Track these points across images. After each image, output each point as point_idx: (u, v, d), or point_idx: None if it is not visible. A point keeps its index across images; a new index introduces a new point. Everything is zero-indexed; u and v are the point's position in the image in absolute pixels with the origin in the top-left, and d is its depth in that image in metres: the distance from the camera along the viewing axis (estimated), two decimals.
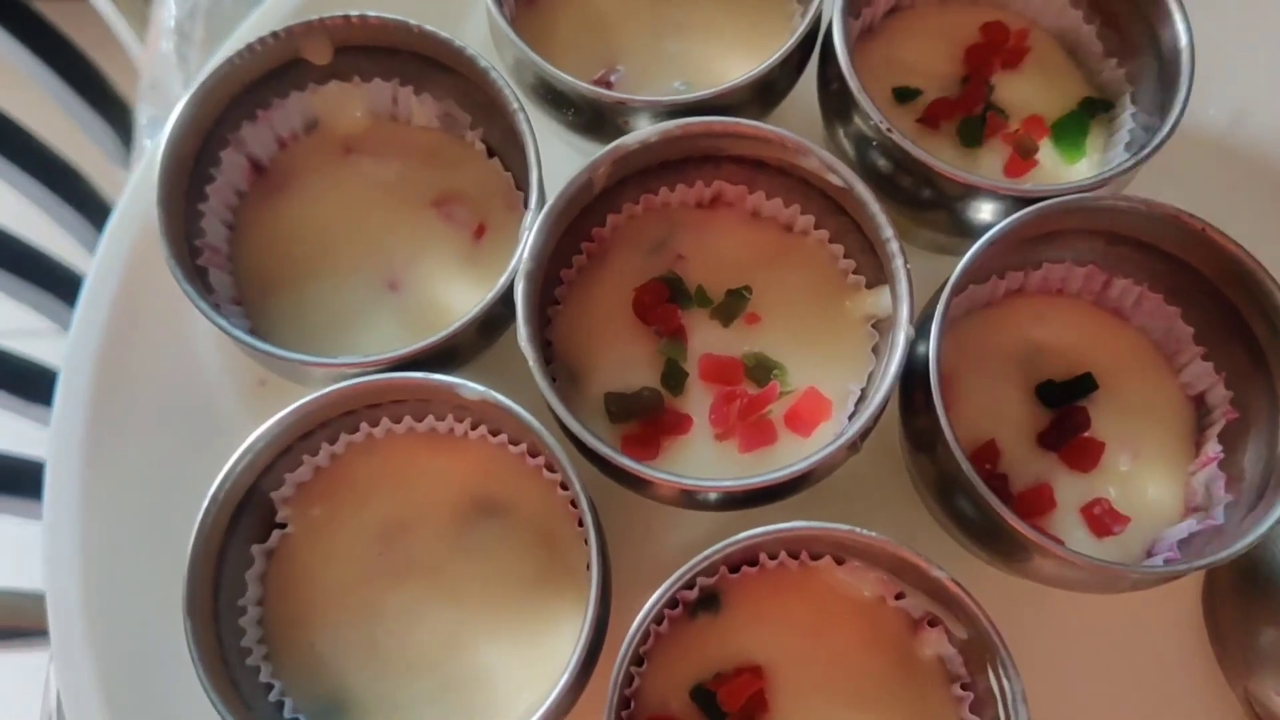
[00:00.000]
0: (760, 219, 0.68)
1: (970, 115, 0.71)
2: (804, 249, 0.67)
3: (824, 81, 0.69)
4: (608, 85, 0.70)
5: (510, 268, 0.61)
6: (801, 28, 0.67)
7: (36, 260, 1.16)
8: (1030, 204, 0.62)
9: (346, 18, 0.67)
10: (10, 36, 1.10)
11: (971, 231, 0.63)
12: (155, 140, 0.65)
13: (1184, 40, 0.66)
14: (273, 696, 0.60)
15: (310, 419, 0.61)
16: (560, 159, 0.67)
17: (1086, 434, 0.65)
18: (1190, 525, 0.62)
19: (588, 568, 0.59)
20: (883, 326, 0.64)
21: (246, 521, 0.62)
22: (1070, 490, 0.64)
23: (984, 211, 0.64)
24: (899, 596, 0.61)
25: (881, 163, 0.66)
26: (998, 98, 0.72)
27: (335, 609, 0.62)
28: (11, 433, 1.11)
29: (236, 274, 0.68)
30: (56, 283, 1.16)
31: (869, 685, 0.60)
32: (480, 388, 0.59)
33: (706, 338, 0.66)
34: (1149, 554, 0.63)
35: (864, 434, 0.60)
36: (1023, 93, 0.72)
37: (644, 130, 0.62)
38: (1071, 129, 0.71)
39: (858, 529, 0.57)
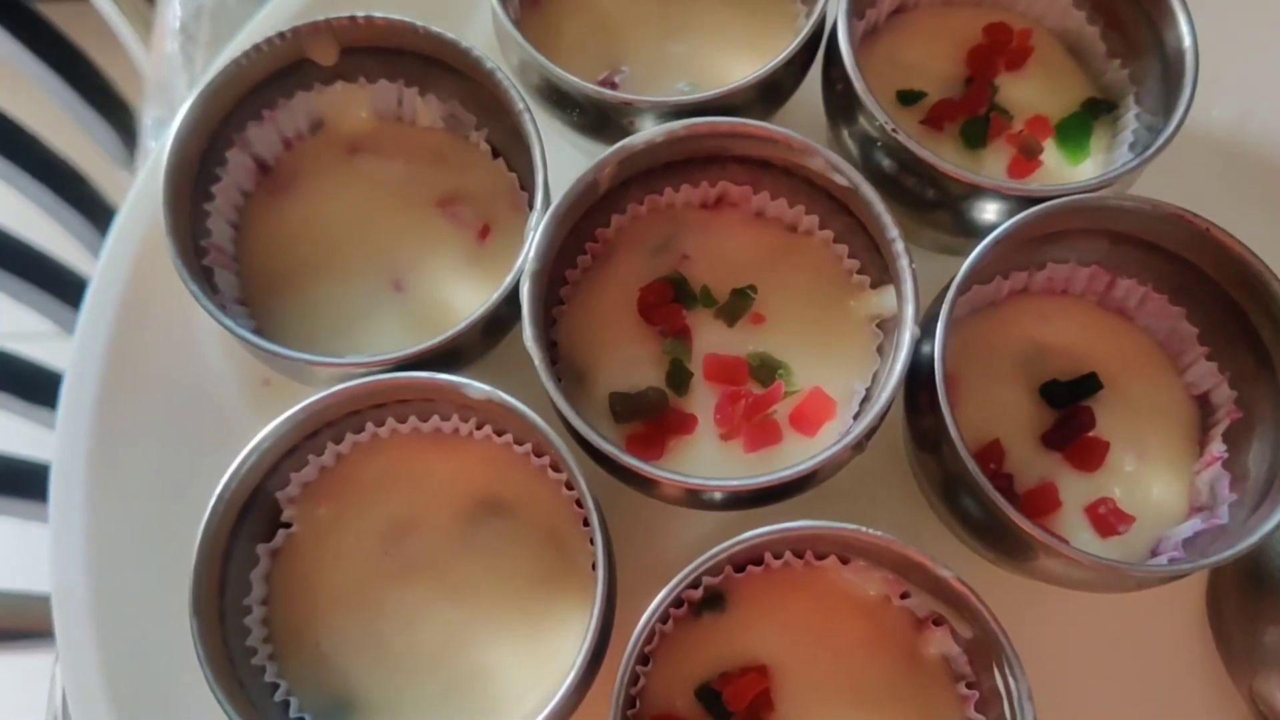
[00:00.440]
0: (765, 219, 0.68)
1: (974, 116, 0.71)
2: (808, 249, 0.68)
3: (828, 82, 0.69)
4: (612, 86, 0.70)
5: (516, 268, 0.62)
6: (806, 29, 0.67)
7: (39, 262, 1.16)
8: (1035, 204, 0.62)
9: (352, 18, 0.67)
10: (12, 39, 1.10)
11: (976, 232, 0.64)
12: (161, 140, 0.65)
13: (1188, 41, 0.66)
14: (278, 696, 0.60)
15: (316, 419, 0.61)
16: (565, 160, 0.68)
17: (1091, 434, 0.65)
18: (1195, 525, 0.62)
19: (593, 567, 0.59)
20: (887, 326, 0.65)
21: (252, 521, 0.62)
22: (1075, 490, 0.64)
23: (988, 212, 0.65)
24: (904, 596, 0.61)
25: (886, 163, 0.66)
26: (1001, 99, 0.72)
27: (341, 609, 0.62)
28: (14, 435, 1.11)
29: (241, 274, 0.68)
30: (59, 285, 1.16)
31: (874, 684, 0.60)
32: (486, 387, 0.59)
33: (711, 338, 0.66)
34: (1153, 554, 0.63)
35: (869, 433, 0.60)
36: (1026, 94, 0.72)
37: (649, 130, 0.63)
38: (1075, 130, 0.71)
39: (863, 528, 0.57)
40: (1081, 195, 0.62)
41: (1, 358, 1.12)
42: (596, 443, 0.58)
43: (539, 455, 0.63)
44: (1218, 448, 0.64)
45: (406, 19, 0.67)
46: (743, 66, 0.68)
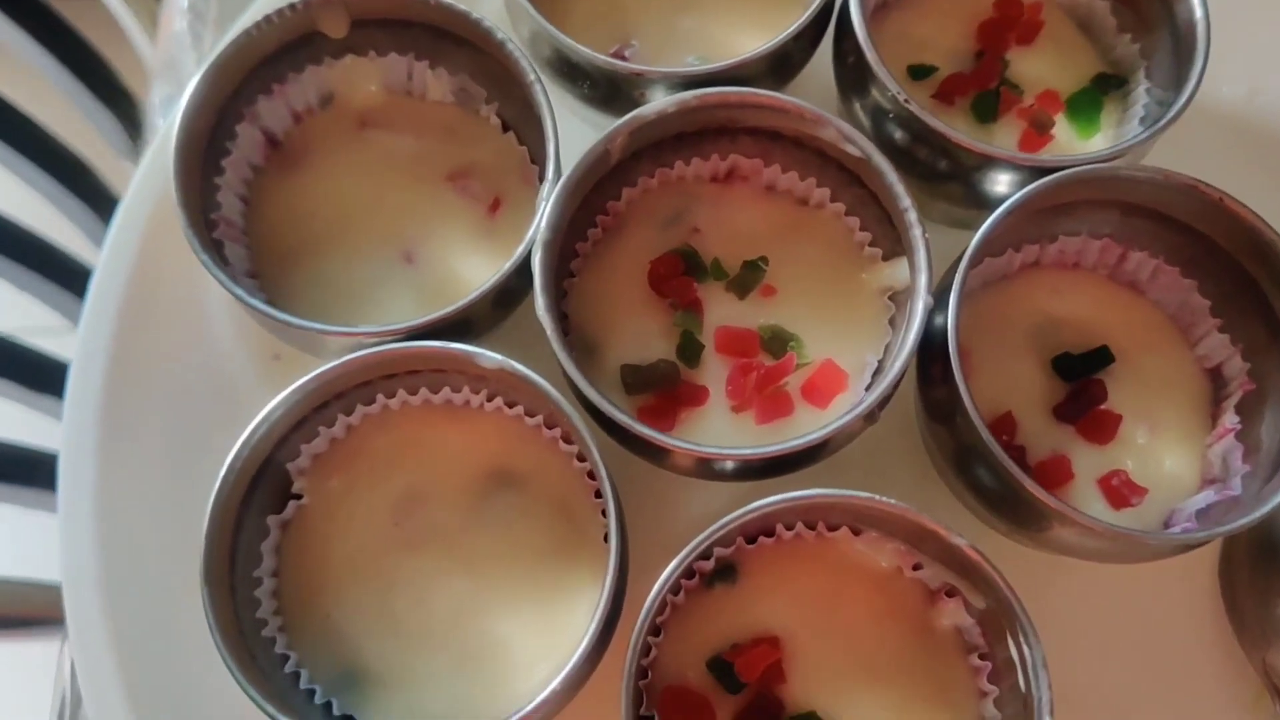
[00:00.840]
0: (776, 192, 0.68)
1: (985, 91, 0.71)
2: (820, 222, 0.67)
3: (840, 55, 0.69)
4: (622, 60, 0.70)
5: (527, 238, 0.61)
6: (817, 2, 0.67)
7: (45, 252, 1.16)
8: (1046, 175, 0.61)
9: None
10: (17, 27, 1.10)
11: (988, 203, 0.63)
12: (170, 115, 0.65)
13: (1199, 14, 0.66)
14: (289, 667, 0.60)
15: (327, 389, 0.61)
16: (575, 134, 0.67)
17: (1103, 406, 0.64)
18: (1208, 496, 0.62)
19: (605, 539, 0.59)
20: (899, 299, 0.64)
21: (263, 493, 0.62)
22: (1087, 462, 0.63)
23: (1000, 183, 0.64)
24: (916, 567, 0.60)
25: (898, 134, 0.66)
26: (1012, 73, 0.72)
27: (351, 580, 0.62)
28: (21, 424, 1.11)
29: (251, 248, 0.68)
30: (65, 275, 1.16)
31: (886, 656, 0.60)
32: (498, 356, 0.59)
33: (722, 310, 0.66)
34: (1166, 526, 0.63)
35: (881, 404, 0.60)
36: (1037, 68, 0.72)
37: (661, 101, 0.62)
38: (1086, 104, 0.71)
39: (876, 496, 0.57)
40: (1093, 166, 0.62)
41: (8, 347, 1.12)
42: (609, 412, 0.58)
43: (550, 427, 0.63)
44: (1230, 419, 0.64)
45: None
46: (752, 41, 0.68)
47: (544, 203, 0.62)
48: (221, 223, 0.66)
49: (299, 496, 0.63)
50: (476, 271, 0.67)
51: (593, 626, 0.56)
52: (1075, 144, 0.70)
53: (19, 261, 1.11)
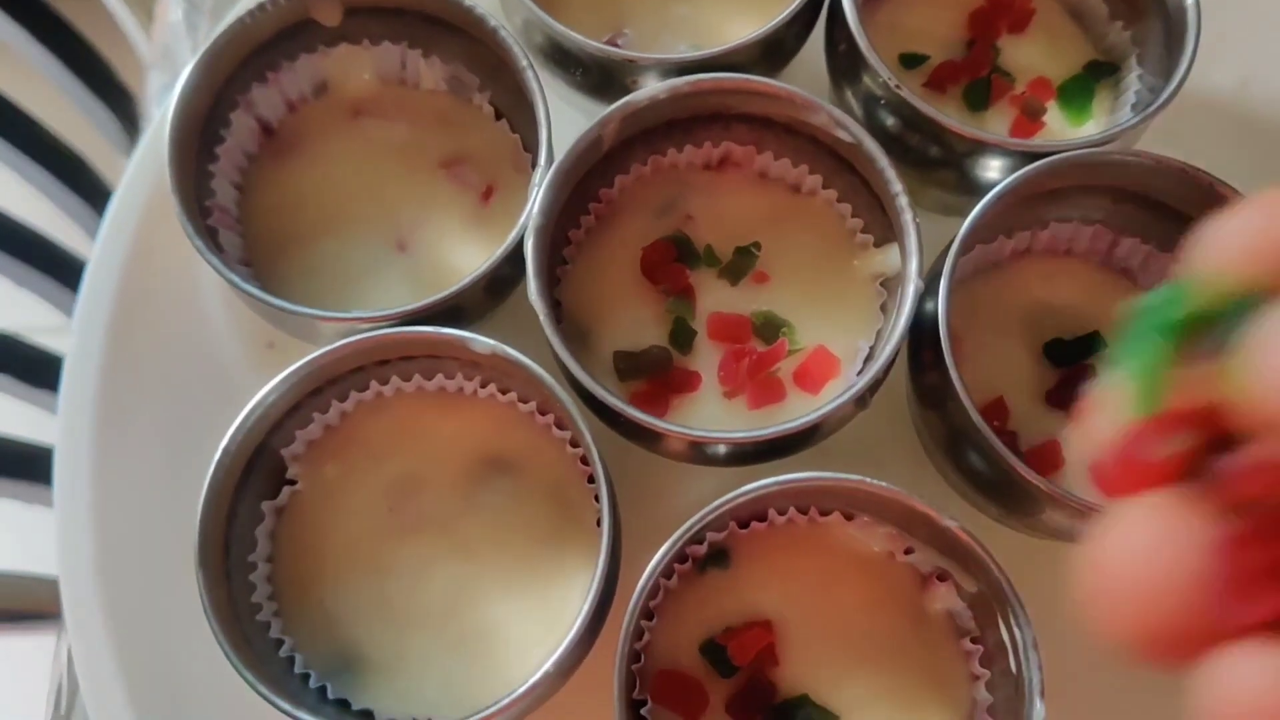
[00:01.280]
0: (768, 180, 0.68)
1: (976, 79, 0.71)
2: (812, 208, 0.68)
3: (831, 44, 0.69)
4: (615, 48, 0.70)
5: (519, 224, 0.62)
6: None
7: (42, 248, 1.17)
8: (1038, 159, 0.62)
9: None
10: (13, 23, 1.10)
11: (979, 190, 0.64)
12: (165, 102, 0.65)
13: (1190, 0, 0.66)
14: (284, 652, 0.60)
15: (321, 373, 0.61)
16: (568, 123, 0.67)
17: None
18: None
19: (598, 524, 0.59)
20: (891, 285, 0.65)
21: (257, 478, 0.62)
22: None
23: (992, 169, 0.65)
24: (908, 552, 0.61)
25: (890, 121, 0.66)
26: (1004, 61, 0.72)
27: (345, 566, 0.62)
28: (15, 417, 1.11)
29: (245, 235, 0.68)
30: (61, 270, 1.16)
31: (878, 640, 0.60)
32: (491, 341, 0.59)
33: (715, 297, 0.66)
34: None
35: (873, 388, 0.60)
36: (1028, 56, 0.72)
37: (654, 87, 0.63)
38: (1077, 92, 0.71)
39: (867, 479, 0.57)
40: (1084, 150, 0.62)
41: (6, 341, 1.12)
42: (602, 396, 0.58)
43: (543, 413, 0.63)
44: None
45: None
46: (745, 30, 0.68)
47: (536, 189, 0.62)
48: (216, 210, 0.66)
49: (293, 482, 0.63)
50: (470, 259, 0.67)
51: (585, 609, 0.56)
52: (1067, 131, 0.71)
53: (16, 257, 1.11)
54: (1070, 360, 0.66)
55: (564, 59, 0.67)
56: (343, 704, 0.59)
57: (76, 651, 0.67)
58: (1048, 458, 0.63)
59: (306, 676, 0.60)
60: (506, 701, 0.55)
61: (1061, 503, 0.57)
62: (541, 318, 0.59)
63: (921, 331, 0.61)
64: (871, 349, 0.64)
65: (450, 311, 0.62)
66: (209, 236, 0.64)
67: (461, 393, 0.64)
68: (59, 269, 1.15)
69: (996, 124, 0.70)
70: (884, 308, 0.65)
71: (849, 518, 0.61)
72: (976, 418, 0.57)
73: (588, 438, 0.58)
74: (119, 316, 0.71)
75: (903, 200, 0.61)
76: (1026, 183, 0.61)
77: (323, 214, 0.69)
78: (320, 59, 0.70)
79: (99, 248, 0.72)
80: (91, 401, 0.70)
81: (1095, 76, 0.72)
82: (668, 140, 0.67)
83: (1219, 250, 0.27)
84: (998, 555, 0.56)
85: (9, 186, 1.14)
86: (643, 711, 0.57)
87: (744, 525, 0.61)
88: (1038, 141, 0.66)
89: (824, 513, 0.61)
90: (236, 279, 0.61)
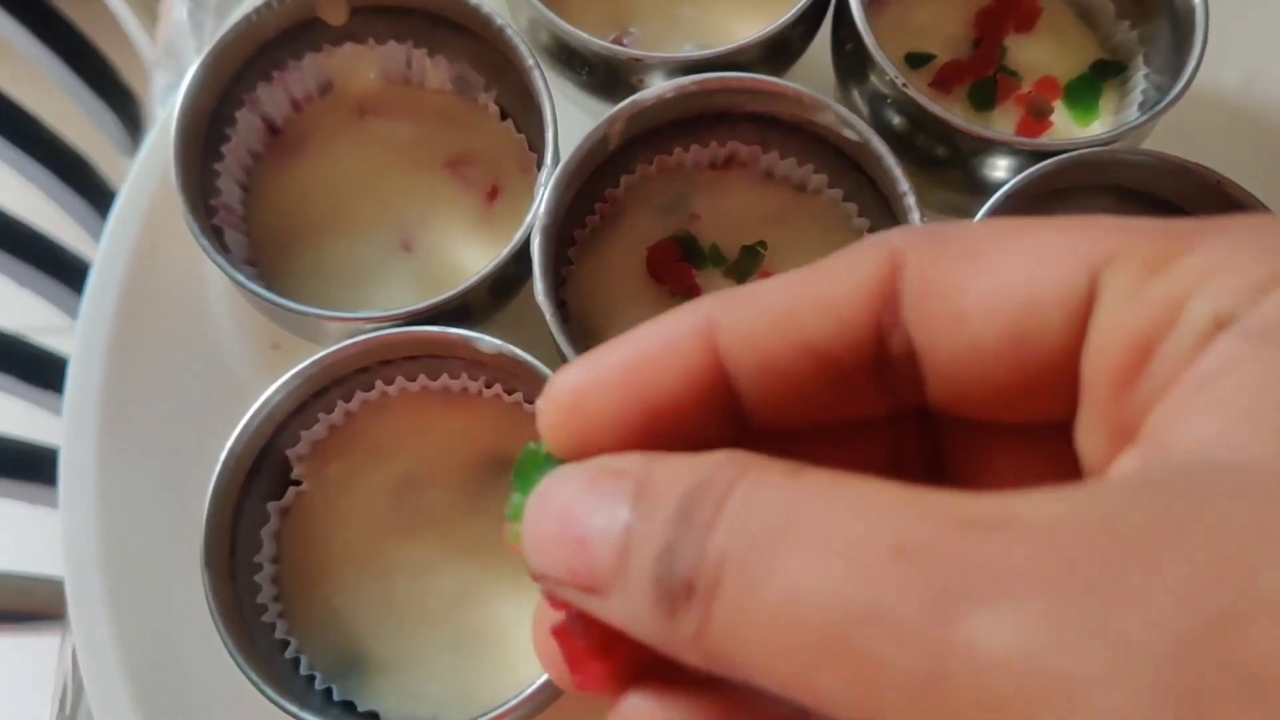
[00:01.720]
0: (774, 179, 0.68)
1: (982, 78, 0.71)
2: (817, 208, 0.68)
3: (838, 42, 0.69)
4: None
5: (525, 224, 0.62)
6: None
7: (46, 249, 1.17)
8: (1045, 159, 0.62)
9: None
10: (16, 23, 1.10)
11: (986, 190, 0.63)
12: (170, 101, 0.65)
13: (1197, 0, 0.66)
14: (288, 653, 0.60)
15: (326, 373, 0.61)
16: (574, 123, 0.67)
17: None
18: None
19: None
20: None
21: (263, 479, 0.62)
22: None
23: (999, 169, 0.64)
24: None
25: (897, 120, 0.66)
26: (1010, 60, 0.72)
27: (351, 566, 0.62)
28: (19, 418, 1.11)
29: (251, 235, 0.68)
30: (66, 272, 1.16)
31: None
32: (497, 341, 0.59)
33: None
34: None
35: None
36: (1035, 55, 0.72)
37: (659, 86, 0.63)
38: (1084, 91, 0.71)
39: None
40: (1091, 149, 0.62)
41: (11, 342, 1.12)
42: None
43: None
44: None
45: None
46: (752, 29, 0.68)
47: (542, 188, 0.62)
48: (221, 209, 0.66)
49: (298, 483, 0.63)
50: (475, 259, 0.67)
51: None
52: (1073, 131, 0.70)
53: (18, 257, 1.11)
54: None
55: (570, 58, 0.67)
56: (348, 706, 0.59)
57: (81, 652, 0.67)
58: None
59: (312, 678, 0.59)
60: (515, 702, 0.54)
61: None
62: (548, 318, 0.59)
63: None
64: None
65: (456, 311, 0.61)
66: (214, 236, 0.64)
67: (467, 393, 0.64)
68: (62, 269, 1.15)
69: (1003, 123, 0.70)
70: None
71: None
72: None
73: None
74: (123, 317, 0.71)
75: (910, 200, 0.61)
76: (1033, 182, 0.61)
77: (328, 213, 0.69)
78: (326, 58, 0.70)
79: (103, 247, 0.72)
80: (96, 402, 0.69)
81: (1102, 76, 0.72)
82: (673, 140, 0.67)
83: (549, 407, 0.29)
84: None
85: (11, 187, 1.14)
86: None
87: None
88: (1045, 140, 0.65)
89: None
90: (242, 278, 0.61)
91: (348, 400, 0.63)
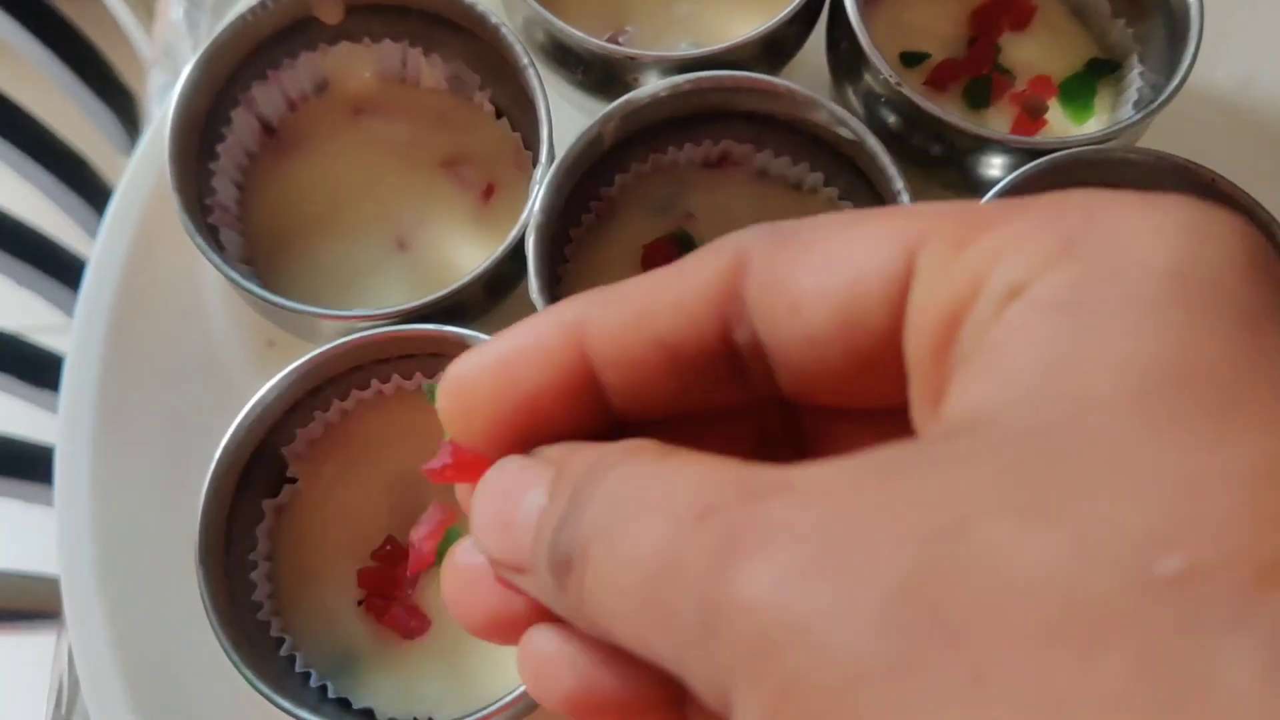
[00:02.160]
0: (769, 177, 0.68)
1: (977, 77, 0.71)
2: (813, 207, 0.68)
3: (833, 41, 0.69)
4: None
5: (520, 222, 0.62)
6: None
7: (43, 247, 1.17)
8: (1040, 157, 0.62)
9: None
10: (14, 22, 1.10)
11: (981, 188, 0.64)
12: (166, 100, 0.65)
13: None
14: (283, 651, 0.60)
15: (322, 371, 0.61)
16: (569, 120, 0.68)
17: None
18: None
19: None
20: None
21: (258, 477, 0.62)
22: None
23: (994, 167, 0.65)
24: None
25: (892, 119, 0.66)
26: (1005, 59, 0.72)
27: (345, 564, 0.62)
28: (15, 416, 1.11)
29: (246, 234, 0.68)
30: (62, 270, 1.16)
31: None
32: (490, 339, 0.59)
33: None
34: None
35: None
36: (1029, 53, 0.72)
37: (655, 84, 0.63)
38: (1079, 90, 0.71)
39: None
40: (1087, 148, 0.62)
41: (8, 341, 1.12)
42: None
43: None
44: None
45: None
46: (747, 28, 0.68)
47: (537, 187, 0.62)
48: (217, 208, 0.66)
49: (293, 480, 0.63)
50: (470, 258, 0.67)
51: None
52: (1069, 129, 0.71)
53: (16, 256, 1.11)
54: None
55: (565, 57, 0.67)
56: (343, 703, 0.59)
57: (77, 650, 0.67)
58: None
59: (307, 675, 0.59)
60: (508, 700, 0.55)
61: None
62: None
63: None
64: None
65: (451, 310, 0.62)
66: (210, 235, 0.64)
67: None
68: (59, 268, 1.15)
69: (998, 122, 0.70)
70: None
71: None
72: None
73: None
74: (119, 315, 0.71)
75: (904, 198, 0.61)
76: (1029, 180, 0.61)
77: (323, 212, 0.69)
78: (321, 57, 0.70)
79: (99, 246, 0.72)
80: (92, 400, 0.70)
81: (1097, 74, 0.72)
82: (668, 138, 0.67)
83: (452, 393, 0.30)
84: None
85: (8, 185, 1.15)
86: None
87: None
88: (1040, 139, 0.66)
89: None
90: (237, 277, 0.61)
91: (343, 398, 0.64)
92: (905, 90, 0.63)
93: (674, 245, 0.66)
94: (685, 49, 0.70)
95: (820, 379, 0.27)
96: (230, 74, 0.68)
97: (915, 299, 0.24)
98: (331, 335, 0.61)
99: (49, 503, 0.70)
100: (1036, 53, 0.72)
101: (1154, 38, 0.70)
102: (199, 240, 0.61)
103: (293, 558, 0.62)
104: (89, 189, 1.20)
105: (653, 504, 0.23)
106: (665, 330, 0.27)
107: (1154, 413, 0.20)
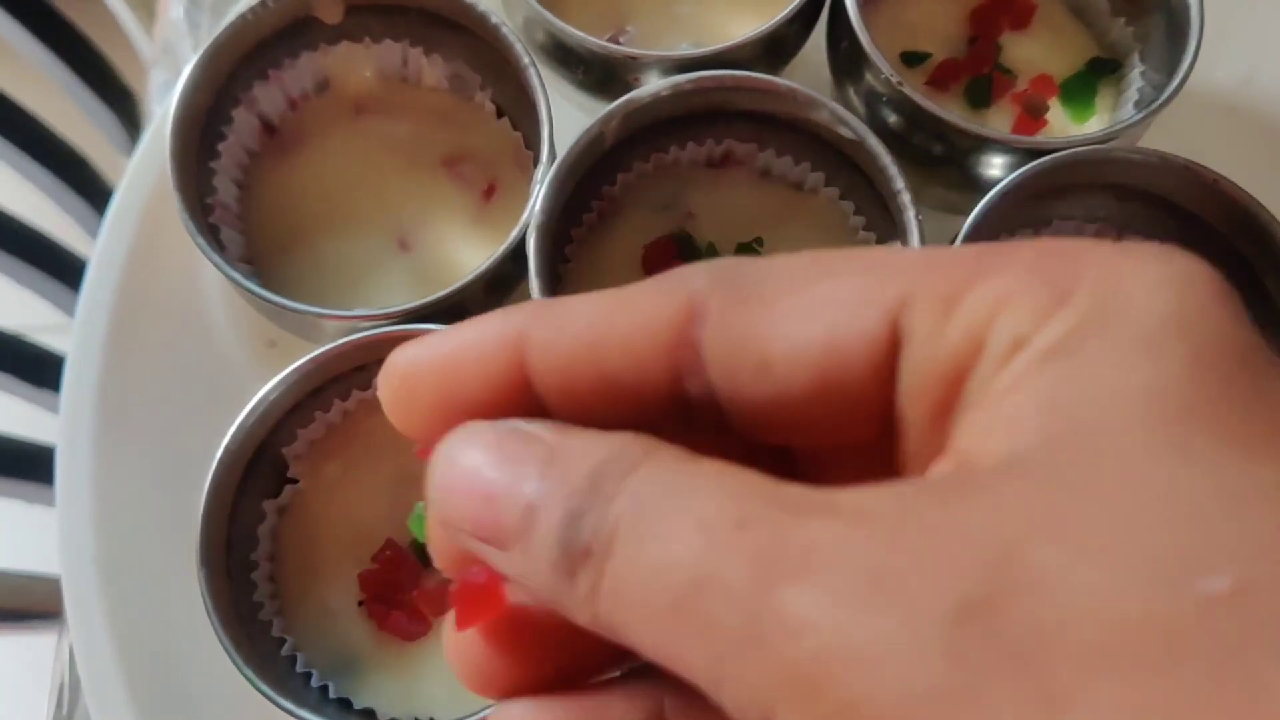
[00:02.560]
0: (770, 177, 0.68)
1: (978, 76, 0.71)
2: (814, 207, 0.68)
3: (833, 41, 0.69)
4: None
5: (521, 222, 0.62)
6: None
7: (44, 247, 1.17)
8: (1041, 156, 0.62)
9: None
10: (14, 22, 1.10)
11: (983, 188, 0.63)
12: (167, 100, 0.65)
13: None
14: (285, 651, 0.60)
15: (323, 371, 0.61)
16: (570, 120, 0.68)
17: None
18: None
19: None
20: None
21: (259, 477, 0.62)
22: None
23: (995, 166, 0.65)
24: None
25: (893, 119, 0.66)
26: (1005, 58, 0.72)
27: (347, 564, 0.62)
28: (16, 416, 1.11)
29: (247, 233, 0.68)
30: (63, 270, 1.16)
31: None
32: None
33: None
34: None
35: None
36: (1030, 53, 0.72)
37: (656, 83, 0.63)
38: (1080, 89, 0.71)
39: None
40: (1087, 147, 0.62)
41: (9, 341, 1.12)
42: None
43: None
44: None
45: None
46: (748, 28, 0.68)
47: (538, 187, 0.62)
48: (218, 207, 0.66)
49: (295, 481, 0.63)
50: (471, 257, 0.67)
51: None
52: (1070, 128, 0.71)
53: (16, 256, 1.11)
54: None
55: (566, 57, 0.67)
56: (344, 703, 0.59)
57: (78, 650, 0.67)
58: None
59: (308, 675, 0.60)
60: None
61: None
62: None
63: None
64: None
65: (452, 309, 0.61)
66: (211, 234, 0.64)
67: None
68: (60, 268, 1.15)
69: (998, 122, 0.70)
70: None
71: None
72: None
73: None
74: (120, 315, 0.71)
75: (905, 198, 0.61)
76: (1029, 180, 0.61)
77: (324, 212, 0.69)
78: (322, 56, 0.70)
79: (100, 246, 0.72)
80: (93, 400, 0.69)
81: (1098, 73, 0.72)
82: (669, 137, 0.67)
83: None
84: None
85: (9, 185, 1.15)
86: None
87: None
88: (1041, 138, 0.66)
89: None
90: (238, 276, 0.61)
91: (344, 398, 0.64)
92: (906, 90, 0.63)
93: (675, 245, 0.66)
94: (686, 49, 0.70)
95: (783, 429, 0.27)
96: (231, 73, 0.68)
97: (910, 361, 0.25)
98: (333, 335, 0.61)
99: (50, 502, 0.70)
100: (1037, 52, 0.72)
101: (1154, 36, 0.70)
102: (200, 240, 0.61)
103: (294, 558, 0.62)
104: (89, 189, 1.20)
105: (685, 508, 0.23)
106: (611, 370, 0.27)
107: (1173, 441, 0.21)
